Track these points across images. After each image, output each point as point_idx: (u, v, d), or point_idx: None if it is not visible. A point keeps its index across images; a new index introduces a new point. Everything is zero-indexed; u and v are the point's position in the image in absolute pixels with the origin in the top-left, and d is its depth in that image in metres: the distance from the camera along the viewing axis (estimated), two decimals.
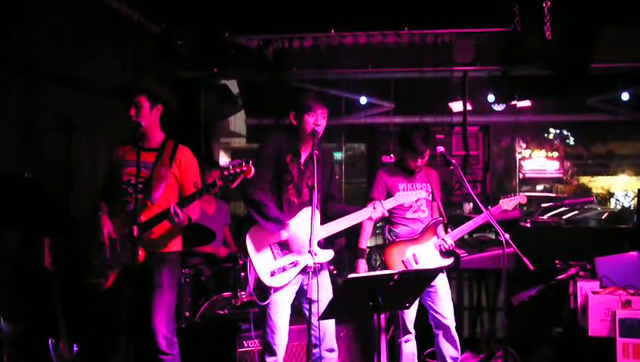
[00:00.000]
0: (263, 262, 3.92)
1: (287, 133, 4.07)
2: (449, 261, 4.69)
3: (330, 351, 4.00)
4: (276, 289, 3.91)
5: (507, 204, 4.74)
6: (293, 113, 3.99)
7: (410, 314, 4.65)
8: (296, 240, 3.90)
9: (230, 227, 6.35)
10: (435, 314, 4.66)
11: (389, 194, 4.55)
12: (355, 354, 5.00)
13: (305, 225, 3.86)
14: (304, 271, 3.84)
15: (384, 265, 4.68)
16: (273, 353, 3.93)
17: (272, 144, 4.01)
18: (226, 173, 3.69)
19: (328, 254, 3.95)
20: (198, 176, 4.07)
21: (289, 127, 4.06)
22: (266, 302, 3.92)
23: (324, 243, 4.03)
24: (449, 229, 4.72)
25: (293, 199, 3.99)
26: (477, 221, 4.65)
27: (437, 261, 4.63)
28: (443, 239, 4.62)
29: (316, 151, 3.79)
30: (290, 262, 3.92)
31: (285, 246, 3.95)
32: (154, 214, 3.84)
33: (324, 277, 4.04)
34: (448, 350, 4.66)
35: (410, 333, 4.69)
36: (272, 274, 3.90)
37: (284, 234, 3.92)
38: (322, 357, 3.96)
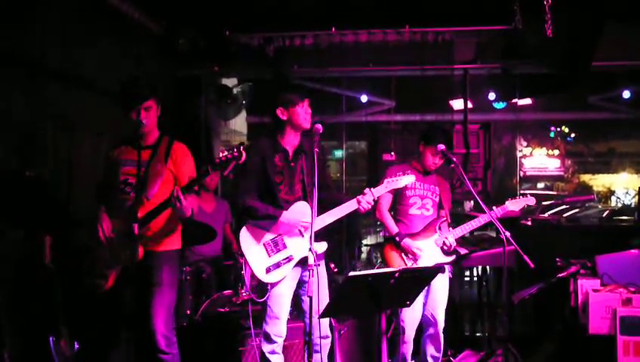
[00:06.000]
0: (257, 260, 3.93)
1: (268, 136, 4.07)
2: (450, 258, 4.69)
3: (325, 337, 4.03)
4: (274, 284, 3.94)
5: (514, 204, 4.74)
6: (281, 108, 3.98)
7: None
8: (291, 232, 3.93)
9: (231, 225, 6.35)
10: (424, 311, 4.68)
11: (397, 191, 4.56)
12: (356, 352, 5.00)
13: (297, 218, 3.90)
14: (301, 263, 3.88)
15: (383, 259, 4.68)
16: (271, 341, 3.96)
17: (256, 154, 4.00)
18: (217, 160, 3.66)
19: (322, 246, 3.94)
20: (194, 170, 4.05)
21: (270, 126, 4.06)
22: (265, 299, 3.95)
23: (319, 235, 3.98)
24: (450, 228, 4.73)
25: (288, 197, 4.00)
26: (479, 221, 4.65)
27: (437, 257, 4.63)
28: (445, 236, 4.62)
29: (316, 149, 3.76)
30: (284, 258, 3.93)
31: (278, 242, 3.97)
32: (149, 210, 3.83)
33: (320, 270, 3.97)
34: (430, 349, 4.68)
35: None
36: (268, 270, 3.91)
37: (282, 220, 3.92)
38: (315, 343, 3.98)
